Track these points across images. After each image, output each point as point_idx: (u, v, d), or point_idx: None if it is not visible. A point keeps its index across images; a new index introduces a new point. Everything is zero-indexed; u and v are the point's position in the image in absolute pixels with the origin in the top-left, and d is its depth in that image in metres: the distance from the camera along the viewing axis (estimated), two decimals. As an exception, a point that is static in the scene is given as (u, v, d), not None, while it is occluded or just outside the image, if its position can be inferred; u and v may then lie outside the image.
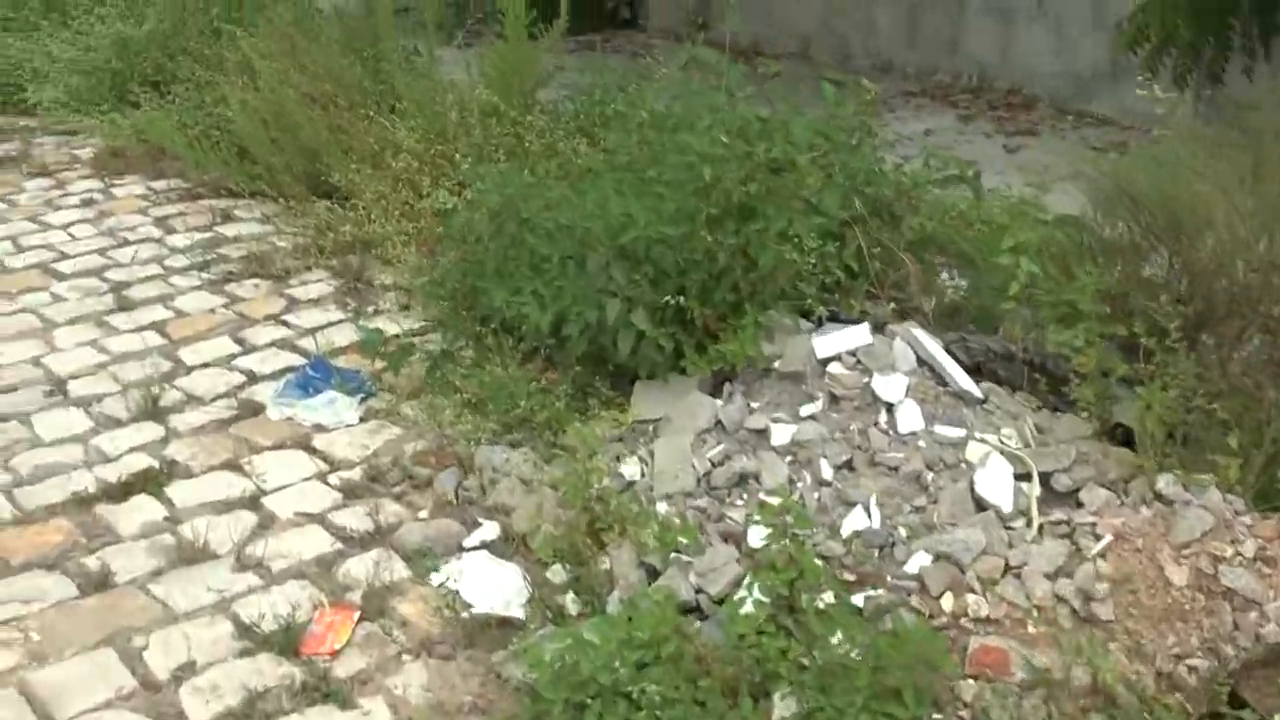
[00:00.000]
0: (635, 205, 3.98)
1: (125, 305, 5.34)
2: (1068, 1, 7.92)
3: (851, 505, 3.44)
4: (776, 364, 3.92)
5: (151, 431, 4.37)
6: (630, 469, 3.79)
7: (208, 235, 6.09)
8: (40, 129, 7.74)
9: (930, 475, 3.47)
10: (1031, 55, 8.17)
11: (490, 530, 3.79)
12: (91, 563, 3.66)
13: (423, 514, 3.91)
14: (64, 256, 5.85)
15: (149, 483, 4.05)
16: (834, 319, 4.10)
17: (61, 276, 5.64)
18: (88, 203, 6.51)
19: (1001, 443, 3.53)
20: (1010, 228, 3.93)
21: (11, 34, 8.89)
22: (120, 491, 4.01)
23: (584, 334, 4.07)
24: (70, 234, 6.12)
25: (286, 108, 6.15)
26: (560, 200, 4.29)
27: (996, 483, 3.39)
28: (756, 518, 3.32)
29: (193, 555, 3.70)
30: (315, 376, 4.62)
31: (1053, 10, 7.99)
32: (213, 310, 5.30)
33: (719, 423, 3.83)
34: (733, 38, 9.23)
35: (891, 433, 3.61)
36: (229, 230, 6.16)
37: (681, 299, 3.95)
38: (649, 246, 3.96)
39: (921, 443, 3.56)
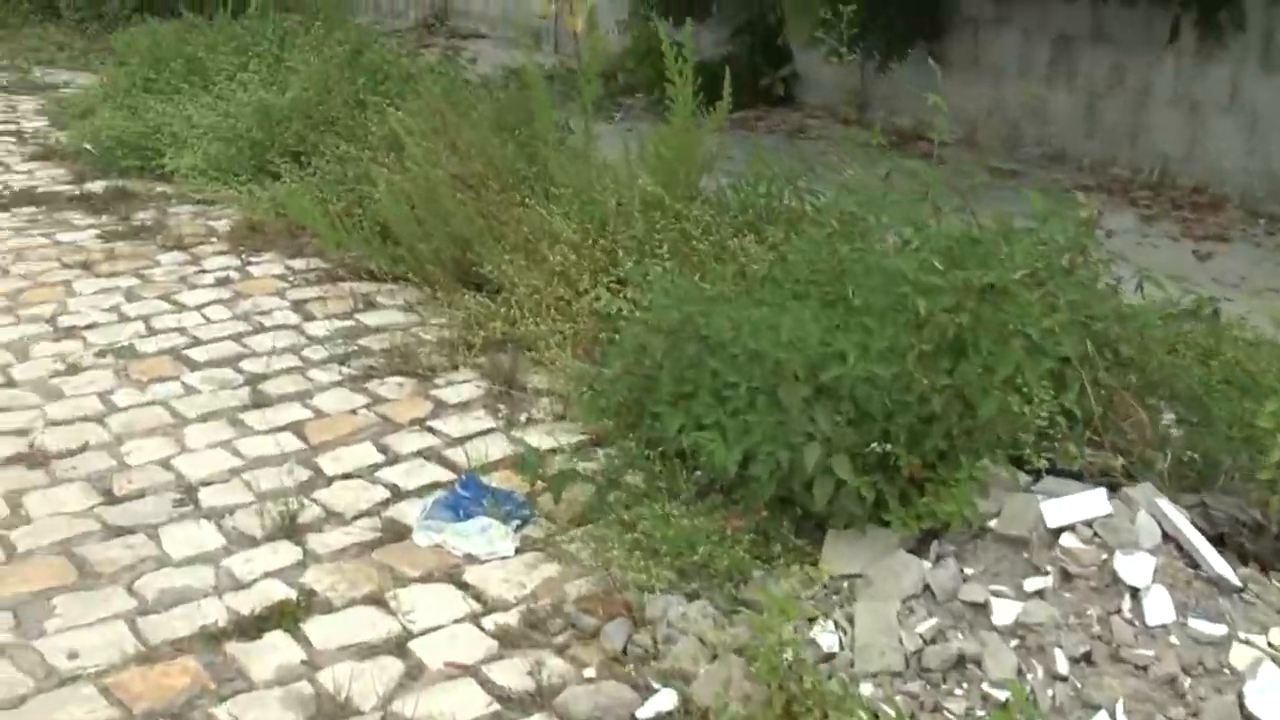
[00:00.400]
0: (841, 338, 3.55)
1: (261, 401, 5.01)
2: (1264, 95, 7.38)
3: (1094, 709, 2.96)
4: (993, 524, 3.46)
5: (288, 553, 4.00)
6: (827, 638, 3.35)
7: (348, 324, 5.77)
8: (177, 197, 7.53)
9: (1188, 681, 2.98)
10: (1221, 151, 7.63)
11: (667, 699, 3.35)
12: (222, 715, 3.29)
13: (589, 672, 3.48)
14: (197, 342, 5.56)
15: (285, 617, 3.68)
16: (1052, 471, 3.64)
17: (194, 365, 5.34)
18: (223, 281, 6.24)
19: (1271, 647, 3.03)
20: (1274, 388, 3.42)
21: (152, 96, 8.75)
22: (254, 626, 3.64)
23: (773, 476, 3.65)
24: (205, 316, 5.84)
25: (437, 191, 5.83)
26: (748, 322, 3.86)
27: (1273, 699, 2.89)
28: (981, 713, 2.86)
29: (334, 711, 3.31)
30: (466, 497, 4.23)
31: (1248, 104, 7.45)
32: (354, 411, 4.95)
33: (927, 588, 3.38)
34: (892, 120, 8.88)
35: (1138, 623, 3.12)
36: (370, 319, 5.83)
37: (887, 445, 3.51)
38: (853, 385, 3.53)
39: (1174, 638, 3.07)
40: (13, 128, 9.27)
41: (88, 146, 8.34)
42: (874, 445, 3.50)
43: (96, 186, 7.70)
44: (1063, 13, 8.38)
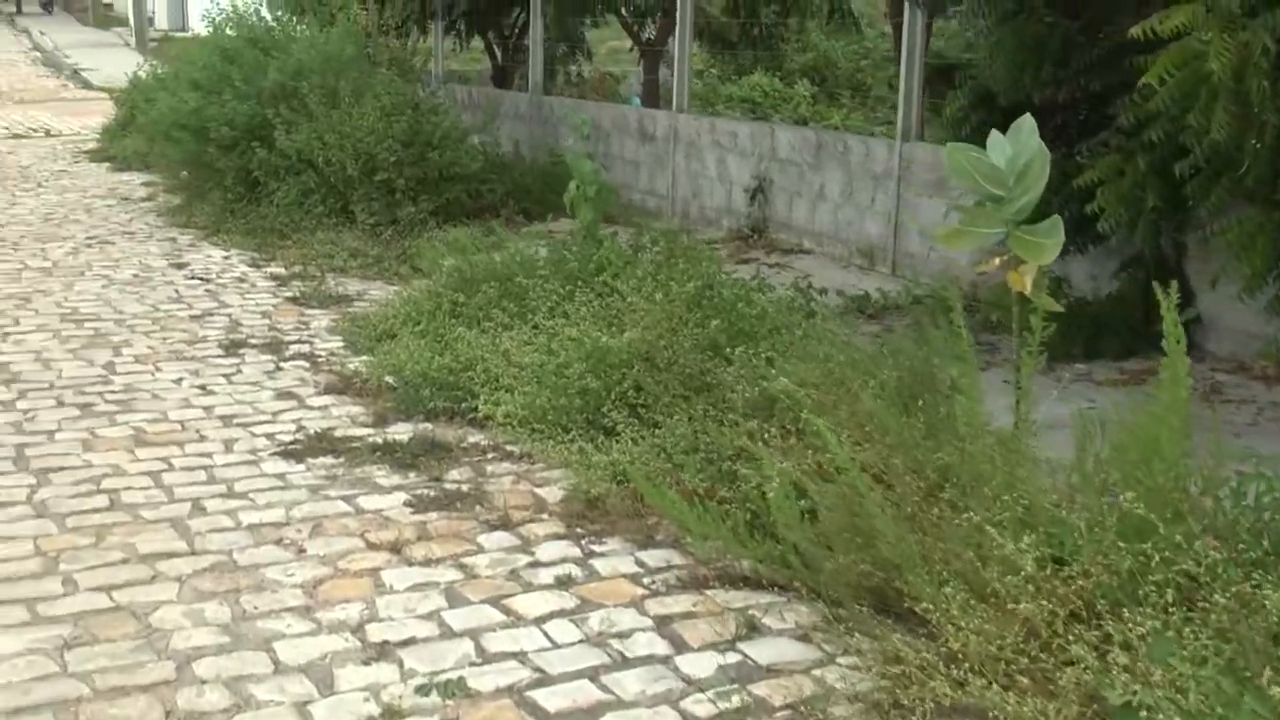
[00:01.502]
0: None
1: (641, 787, 3.69)
2: None
3: None
4: None
5: None
6: None
7: (731, 658, 4.44)
8: (494, 450, 6.41)
9: None
10: None
11: None
12: None
13: None
14: (543, 679, 4.29)
15: None
16: None
17: (544, 717, 4.07)
18: (564, 582, 5.00)
19: None
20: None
21: (461, 322, 7.79)
22: None
23: None
24: (548, 636, 4.59)
25: (856, 496, 4.50)
26: None
27: None
28: None
29: None
30: None
31: None
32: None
33: None
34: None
35: None
36: (758, 651, 4.49)
37: None
38: None
39: None
40: (305, 348, 8.42)
41: (390, 381, 7.35)
42: None
43: (401, 433, 6.65)
44: None
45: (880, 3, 21.43)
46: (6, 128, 21.95)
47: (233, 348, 8.40)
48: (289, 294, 10.01)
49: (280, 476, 6.10)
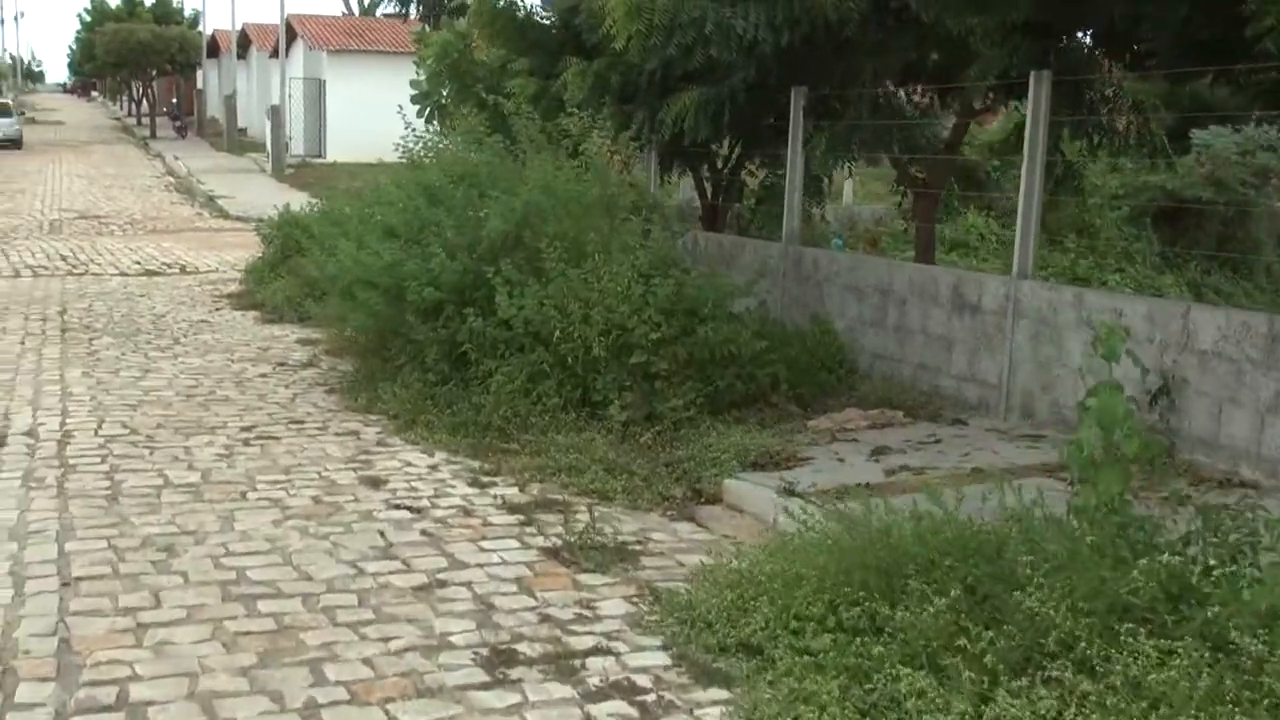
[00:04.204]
0: None
1: None
2: None
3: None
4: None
5: None
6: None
7: None
8: None
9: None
10: None
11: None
12: None
13: None
14: None
15: None
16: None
17: None
18: None
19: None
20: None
21: (896, 651, 4.53)
22: None
23: None
24: None
25: None
26: None
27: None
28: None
29: None
30: None
31: None
32: None
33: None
34: None
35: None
36: None
37: None
38: None
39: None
40: (611, 668, 5.25)
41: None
42: None
43: None
44: None
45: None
46: (139, 262, 19.39)
47: (496, 665, 5.24)
48: (542, 541, 6.85)
49: None
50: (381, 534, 6.86)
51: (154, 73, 61.57)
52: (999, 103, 12.81)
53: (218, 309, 15.12)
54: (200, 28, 59.99)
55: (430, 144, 11.28)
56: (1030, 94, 9.39)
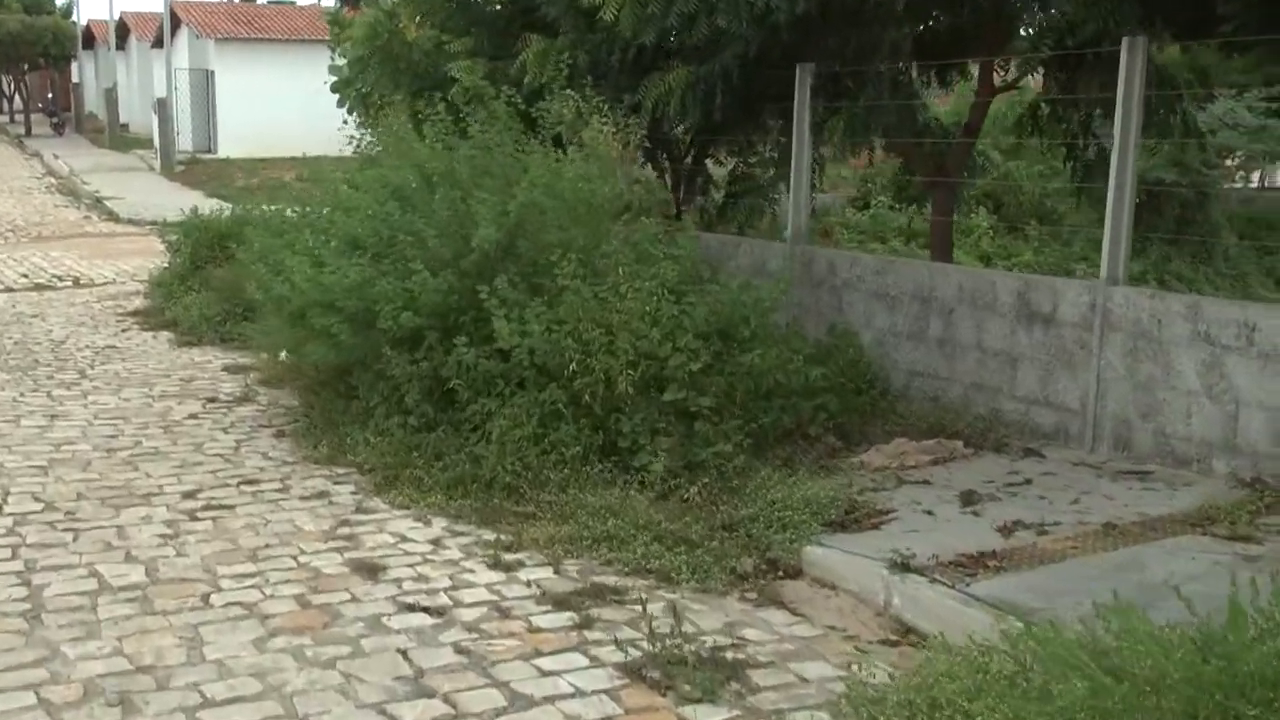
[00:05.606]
0: None
1: None
2: None
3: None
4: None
5: None
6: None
7: None
8: None
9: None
10: None
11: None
12: None
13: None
14: None
15: None
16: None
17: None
18: None
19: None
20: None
21: None
22: None
23: None
24: None
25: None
26: None
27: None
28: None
29: None
30: None
31: None
32: None
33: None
34: None
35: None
36: None
37: None
38: None
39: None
40: None
41: None
42: None
43: None
44: None
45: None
46: (26, 275, 17.29)
47: None
48: (613, 652, 5.24)
49: None
50: (404, 655, 5.18)
51: (25, 66, 58.29)
52: (1021, 78, 11.40)
53: (124, 330, 13.20)
54: (74, 18, 56.77)
55: (383, 138, 9.52)
56: (1122, 64, 7.91)
